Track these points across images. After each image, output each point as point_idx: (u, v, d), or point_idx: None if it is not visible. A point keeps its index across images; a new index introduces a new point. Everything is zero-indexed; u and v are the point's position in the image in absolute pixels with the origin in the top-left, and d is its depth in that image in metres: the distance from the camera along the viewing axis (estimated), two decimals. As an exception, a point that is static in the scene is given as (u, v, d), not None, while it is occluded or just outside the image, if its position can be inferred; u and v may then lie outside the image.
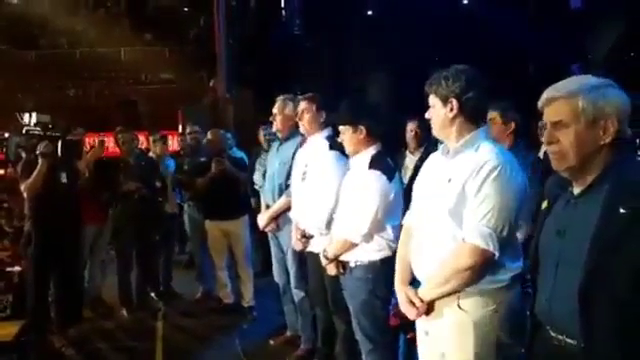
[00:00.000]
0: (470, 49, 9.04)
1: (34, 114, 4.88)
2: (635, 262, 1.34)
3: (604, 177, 1.47)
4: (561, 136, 1.50)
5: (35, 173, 4.10)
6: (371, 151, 2.80)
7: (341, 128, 2.88)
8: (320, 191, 3.10)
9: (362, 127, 2.79)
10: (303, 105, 3.37)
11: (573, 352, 1.46)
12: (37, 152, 4.15)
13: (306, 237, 3.24)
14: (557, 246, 1.54)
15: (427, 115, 2.10)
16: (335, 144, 3.10)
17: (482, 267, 1.90)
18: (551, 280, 1.53)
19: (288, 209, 3.54)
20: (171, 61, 14.59)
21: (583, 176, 1.51)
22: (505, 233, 1.89)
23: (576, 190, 1.54)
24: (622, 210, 1.38)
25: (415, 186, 2.23)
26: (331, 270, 2.88)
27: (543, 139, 1.57)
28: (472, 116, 2.01)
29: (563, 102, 1.50)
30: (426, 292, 2.03)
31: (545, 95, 1.54)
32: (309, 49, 13.73)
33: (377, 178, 2.69)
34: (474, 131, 2.01)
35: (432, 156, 2.21)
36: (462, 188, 1.92)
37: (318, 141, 3.31)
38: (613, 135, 1.46)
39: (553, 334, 1.53)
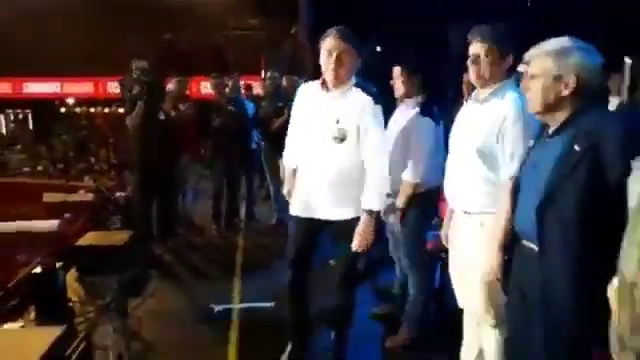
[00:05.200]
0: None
1: (136, 60, 5.63)
2: (581, 185, 1.76)
3: (568, 122, 1.88)
4: (532, 86, 1.92)
5: (135, 111, 4.93)
6: (419, 100, 3.23)
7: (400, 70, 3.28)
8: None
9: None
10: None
11: (536, 255, 1.92)
12: (130, 94, 4.98)
13: None
14: (531, 175, 1.96)
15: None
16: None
17: None
18: (524, 201, 1.99)
19: None
20: (258, 7, 15.01)
21: (553, 120, 1.93)
22: None
23: (550, 131, 1.96)
24: (576, 148, 1.79)
25: (452, 133, 2.60)
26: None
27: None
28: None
29: (539, 59, 1.91)
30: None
31: (530, 52, 1.95)
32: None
33: (427, 123, 3.15)
34: (502, 81, 2.36)
35: (464, 107, 2.59)
36: (491, 131, 2.28)
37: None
38: (572, 90, 1.85)
39: (525, 243, 2.00)
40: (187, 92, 6.50)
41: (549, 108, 1.91)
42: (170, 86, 5.93)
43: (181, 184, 5.93)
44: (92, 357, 2.65)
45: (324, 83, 2.76)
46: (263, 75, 10.38)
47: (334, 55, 2.64)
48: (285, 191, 3.07)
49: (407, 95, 3.27)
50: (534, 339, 1.86)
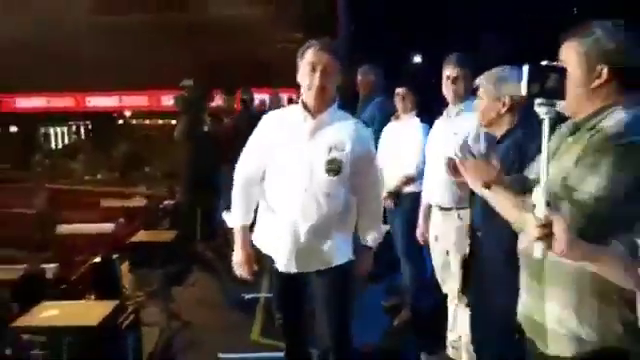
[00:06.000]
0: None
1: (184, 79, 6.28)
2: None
3: (508, 134, 2.36)
4: (480, 106, 2.42)
5: (178, 125, 5.61)
6: (414, 113, 3.75)
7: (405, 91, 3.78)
8: None
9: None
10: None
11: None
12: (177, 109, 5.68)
13: None
14: None
15: None
16: None
17: None
18: (478, 198, 2.43)
19: None
20: (299, 21, 15.61)
21: (498, 131, 2.41)
22: None
23: (497, 141, 2.44)
24: (511, 155, 2.23)
25: (430, 142, 3.11)
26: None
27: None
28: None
29: (484, 86, 2.40)
30: None
31: (478, 79, 2.44)
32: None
33: (427, 128, 3.54)
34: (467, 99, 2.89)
35: (437, 121, 3.09)
36: (468, 137, 2.76)
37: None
38: (508, 107, 2.34)
39: (477, 232, 2.46)
40: (235, 106, 7.09)
41: (492, 122, 2.40)
42: (219, 102, 6.59)
43: (224, 190, 6.51)
44: (140, 330, 3.22)
45: (306, 106, 2.31)
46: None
47: (319, 70, 2.24)
48: (240, 260, 2.44)
49: (408, 111, 3.76)
50: (484, 308, 2.30)
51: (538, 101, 1.34)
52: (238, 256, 2.44)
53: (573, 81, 1.46)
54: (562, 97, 1.36)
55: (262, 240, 2.44)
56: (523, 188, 1.63)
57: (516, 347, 1.73)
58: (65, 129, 19.52)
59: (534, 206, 1.29)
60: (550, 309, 1.49)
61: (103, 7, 15.59)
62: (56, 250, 5.36)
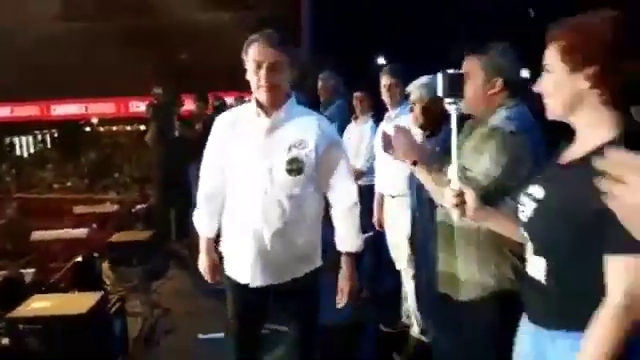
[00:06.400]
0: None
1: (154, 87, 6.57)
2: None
3: (437, 129, 2.74)
4: (415, 109, 2.80)
5: (149, 131, 5.94)
6: (370, 114, 4.20)
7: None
8: None
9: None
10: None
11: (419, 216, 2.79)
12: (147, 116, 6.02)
13: None
14: None
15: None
16: None
17: None
18: (413, 183, 2.83)
19: None
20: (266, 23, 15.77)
21: (430, 130, 2.79)
22: None
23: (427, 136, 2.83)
24: (437, 149, 2.62)
25: (377, 141, 3.50)
26: None
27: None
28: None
29: (413, 92, 2.79)
30: None
31: (409, 87, 2.83)
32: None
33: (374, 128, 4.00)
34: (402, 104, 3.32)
35: (381, 123, 3.51)
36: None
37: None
38: (442, 110, 2.70)
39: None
40: (207, 111, 7.36)
41: (428, 124, 2.78)
42: (192, 108, 6.90)
43: (195, 191, 6.79)
44: (125, 317, 3.53)
45: (259, 103, 2.13)
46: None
47: (264, 67, 2.05)
48: (205, 266, 2.36)
49: (365, 113, 4.18)
50: (423, 278, 2.71)
51: (447, 100, 1.67)
52: (202, 262, 2.36)
53: (473, 88, 1.86)
54: (463, 97, 1.71)
55: (226, 250, 2.29)
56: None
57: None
58: (30, 138, 19.37)
59: (449, 181, 1.63)
60: (460, 264, 1.89)
61: (68, 13, 15.53)
62: (33, 256, 5.58)
